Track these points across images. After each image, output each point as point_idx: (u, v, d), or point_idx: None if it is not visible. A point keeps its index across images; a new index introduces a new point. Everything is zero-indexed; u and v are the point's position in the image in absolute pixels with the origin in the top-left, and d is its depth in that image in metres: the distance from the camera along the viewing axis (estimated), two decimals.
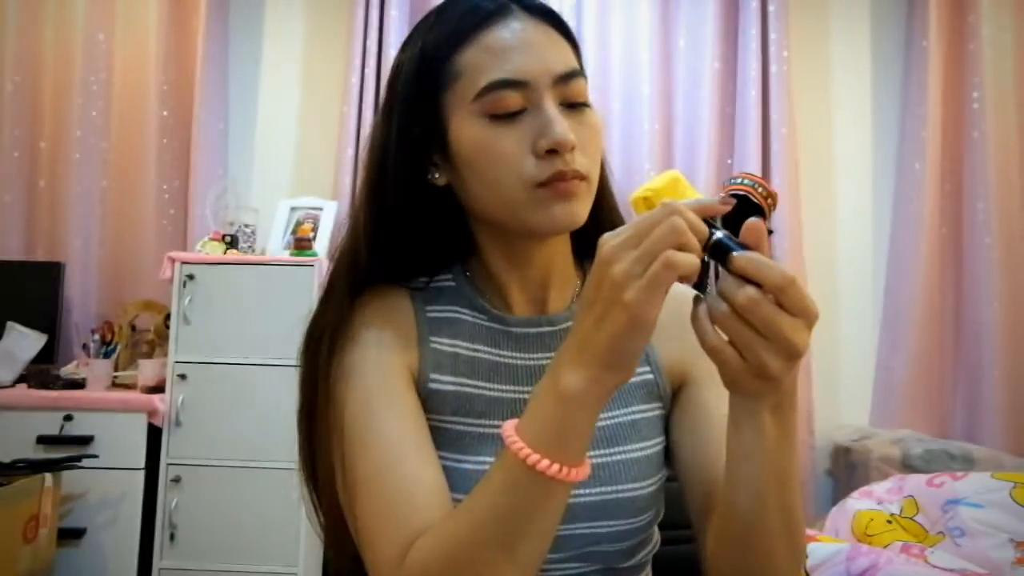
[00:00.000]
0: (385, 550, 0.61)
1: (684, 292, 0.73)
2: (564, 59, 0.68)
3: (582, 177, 0.66)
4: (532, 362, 0.74)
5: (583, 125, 0.68)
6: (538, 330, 0.75)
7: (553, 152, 0.65)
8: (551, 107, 0.66)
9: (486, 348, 0.74)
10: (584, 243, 0.77)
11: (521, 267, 0.75)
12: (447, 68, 0.68)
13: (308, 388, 0.70)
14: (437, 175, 0.72)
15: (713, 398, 0.74)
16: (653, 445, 0.74)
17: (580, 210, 0.67)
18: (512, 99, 0.66)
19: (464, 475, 0.68)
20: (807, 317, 0.48)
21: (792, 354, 0.49)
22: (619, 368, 0.53)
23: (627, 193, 2.17)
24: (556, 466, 0.54)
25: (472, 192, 0.69)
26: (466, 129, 0.67)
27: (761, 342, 0.48)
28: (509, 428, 0.56)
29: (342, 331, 0.70)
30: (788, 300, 0.48)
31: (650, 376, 0.76)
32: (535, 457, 0.54)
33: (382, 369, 0.69)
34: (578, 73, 0.69)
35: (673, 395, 0.77)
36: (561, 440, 0.54)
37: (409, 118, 0.70)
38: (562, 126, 0.65)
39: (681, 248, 0.49)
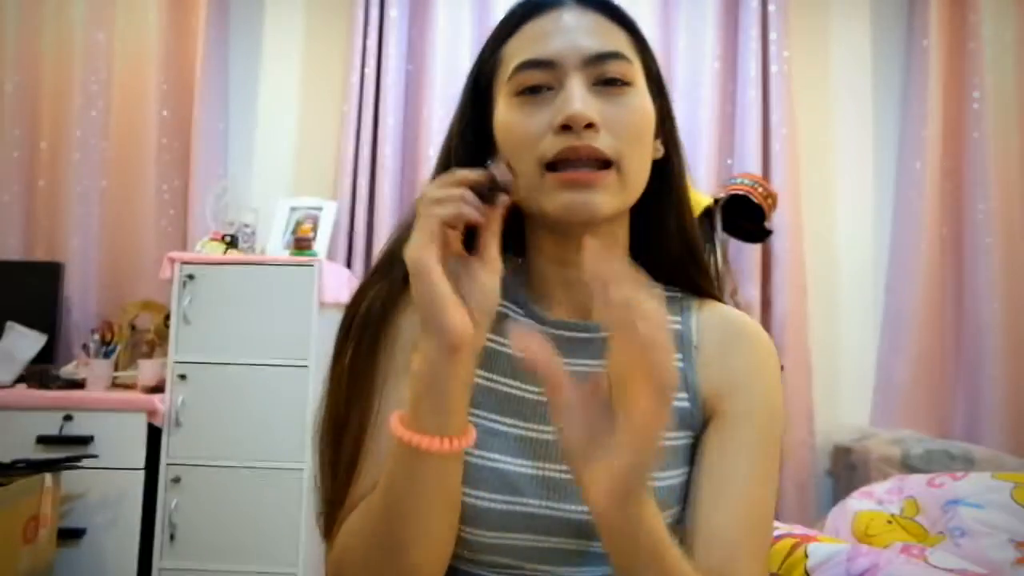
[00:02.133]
0: (348, 503, 0.66)
1: (730, 317, 0.74)
2: (602, 41, 0.67)
3: (602, 159, 0.64)
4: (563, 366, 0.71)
5: (617, 106, 0.65)
6: (573, 334, 0.72)
7: (568, 128, 0.63)
8: (574, 84, 0.64)
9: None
10: (645, 245, 0.75)
11: (565, 265, 0.71)
12: (495, 59, 0.70)
13: (344, 362, 0.70)
14: (489, 161, 0.70)
15: (729, 445, 0.69)
16: (675, 476, 0.69)
17: (597, 200, 0.64)
18: (537, 77, 0.65)
19: (467, 468, 0.65)
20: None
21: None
22: (430, 330, 0.56)
23: None
24: (417, 437, 0.57)
25: None
26: (499, 112, 0.68)
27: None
28: (396, 412, 0.60)
29: (386, 321, 0.70)
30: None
31: (686, 404, 0.71)
32: (400, 429, 0.58)
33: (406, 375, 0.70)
34: (617, 56, 0.66)
35: (703, 424, 0.72)
36: (418, 414, 0.58)
37: (468, 108, 0.72)
38: (579, 101, 0.63)
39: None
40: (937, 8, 2.72)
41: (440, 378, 0.57)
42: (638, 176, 0.67)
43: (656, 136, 0.71)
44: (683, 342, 0.73)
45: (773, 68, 2.72)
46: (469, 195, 0.58)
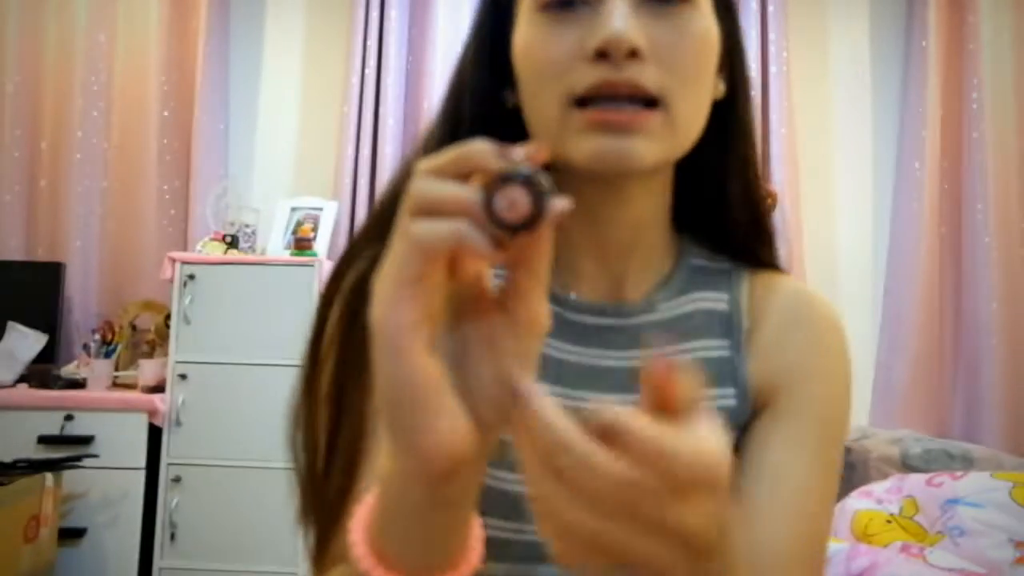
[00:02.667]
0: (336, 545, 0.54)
1: (793, 293, 0.61)
2: None
3: (645, 96, 0.49)
4: (587, 360, 0.58)
5: (671, 29, 0.50)
6: (599, 321, 0.58)
7: (605, 57, 0.48)
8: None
9: None
10: (697, 207, 0.62)
11: (596, 224, 0.57)
12: None
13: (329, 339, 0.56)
14: (507, 94, 0.58)
15: (778, 443, 0.55)
16: None
17: (637, 147, 0.49)
18: None
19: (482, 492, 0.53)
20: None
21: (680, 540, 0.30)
22: (398, 445, 0.35)
23: None
24: (379, 572, 0.37)
25: (525, 113, 0.55)
26: (520, 30, 0.54)
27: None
28: (367, 501, 0.40)
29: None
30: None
31: (731, 401, 0.58)
32: (360, 548, 0.38)
33: None
34: None
35: (750, 418, 0.58)
36: (382, 538, 0.38)
37: (486, 25, 0.59)
38: (621, 20, 0.48)
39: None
40: (936, 9, 2.72)
41: (416, 513, 0.37)
42: (691, 119, 0.53)
43: (718, 70, 0.56)
44: (730, 325, 0.60)
45: (772, 68, 2.72)
46: (478, 207, 0.33)
